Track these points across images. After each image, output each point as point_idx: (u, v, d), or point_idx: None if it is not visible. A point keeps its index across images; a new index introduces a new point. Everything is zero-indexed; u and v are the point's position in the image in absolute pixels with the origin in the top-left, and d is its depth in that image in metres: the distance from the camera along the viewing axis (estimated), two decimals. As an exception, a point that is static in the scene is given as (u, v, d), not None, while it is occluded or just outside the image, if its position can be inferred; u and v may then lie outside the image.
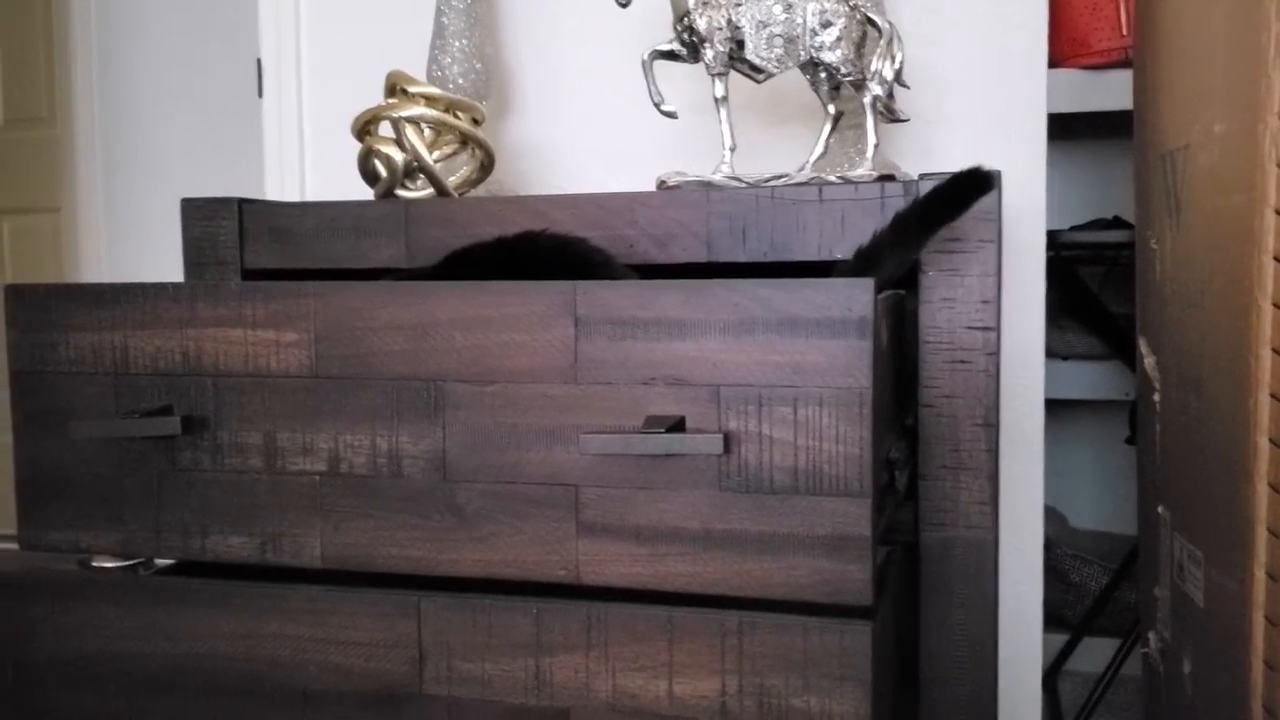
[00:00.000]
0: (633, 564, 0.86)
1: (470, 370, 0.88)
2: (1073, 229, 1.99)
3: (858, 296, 0.80)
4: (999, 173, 1.02)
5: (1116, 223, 2.01)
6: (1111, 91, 1.85)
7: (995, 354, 1.04)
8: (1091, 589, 2.10)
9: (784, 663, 0.82)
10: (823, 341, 0.81)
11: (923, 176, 1.05)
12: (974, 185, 1.01)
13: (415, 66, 1.39)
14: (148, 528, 0.98)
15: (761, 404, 0.82)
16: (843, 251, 1.08)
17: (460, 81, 1.44)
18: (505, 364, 0.88)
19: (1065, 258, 1.95)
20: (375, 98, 1.35)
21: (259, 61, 1.71)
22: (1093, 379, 2.02)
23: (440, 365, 0.89)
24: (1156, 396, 1.39)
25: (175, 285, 0.95)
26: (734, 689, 0.83)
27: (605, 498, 0.86)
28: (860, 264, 1.02)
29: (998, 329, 1.04)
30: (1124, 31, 1.82)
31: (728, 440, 0.83)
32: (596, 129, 1.60)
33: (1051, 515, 1.72)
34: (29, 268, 3.41)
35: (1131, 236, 1.76)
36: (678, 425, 0.83)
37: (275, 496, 0.94)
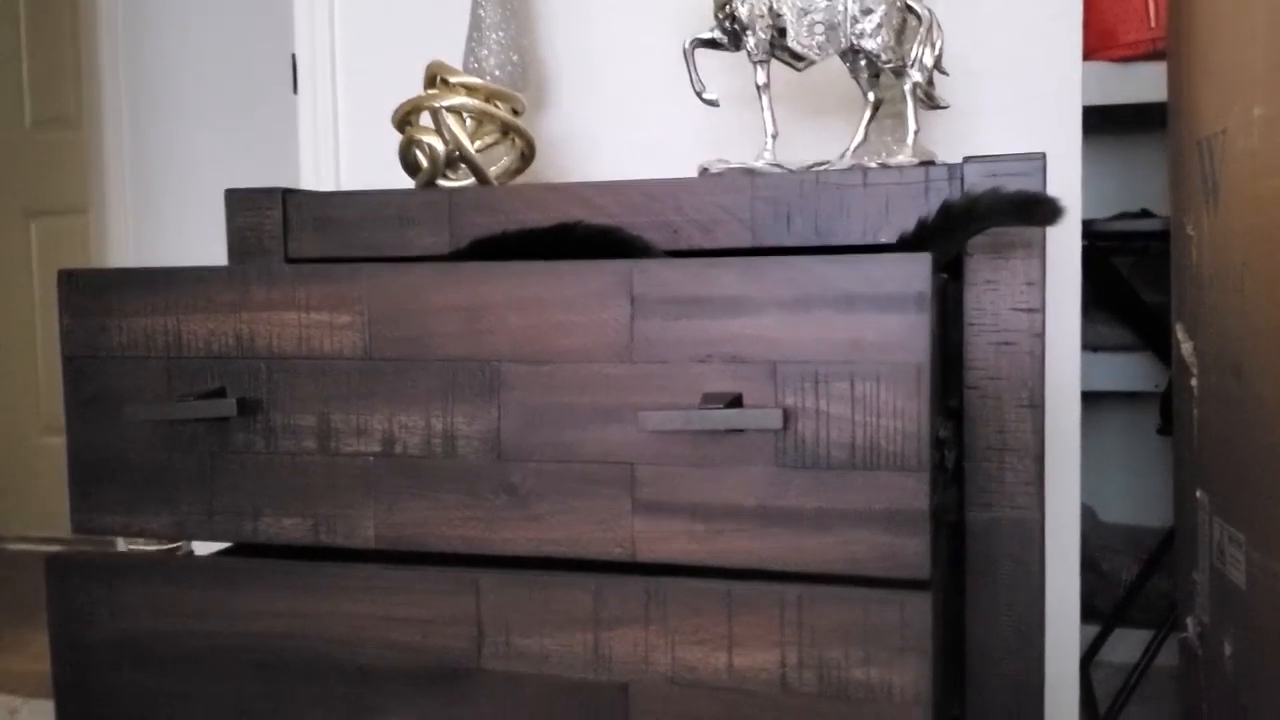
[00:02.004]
0: (689, 541, 0.86)
1: (525, 350, 0.89)
2: (1101, 221, 1.99)
3: (915, 272, 0.81)
4: (1066, 210, 1.00)
5: (1144, 215, 2.02)
6: (1140, 84, 1.85)
7: (1040, 335, 1.04)
8: (1123, 579, 2.10)
9: (844, 635, 0.83)
10: (880, 317, 0.81)
11: (967, 160, 1.06)
12: (1042, 211, 0.99)
13: (451, 60, 1.40)
14: (200, 510, 0.98)
15: (819, 380, 0.83)
16: (887, 235, 1.08)
17: (497, 74, 1.45)
18: (560, 344, 0.88)
19: (1098, 249, 1.95)
20: (411, 92, 1.36)
21: (294, 56, 1.72)
22: (1122, 371, 2.02)
23: (495, 346, 0.90)
24: (1194, 381, 1.40)
25: (228, 268, 0.96)
26: (794, 661, 0.84)
27: (661, 475, 0.87)
28: (904, 250, 1.02)
29: (1043, 310, 1.04)
30: (1152, 23, 1.82)
31: (785, 416, 0.83)
32: (633, 121, 1.61)
33: (1081, 510, 1.72)
34: (58, 269, 3.42)
35: (1162, 226, 1.77)
36: (735, 402, 0.84)
37: (329, 478, 0.95)
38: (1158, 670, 1.91)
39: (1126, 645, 2.04)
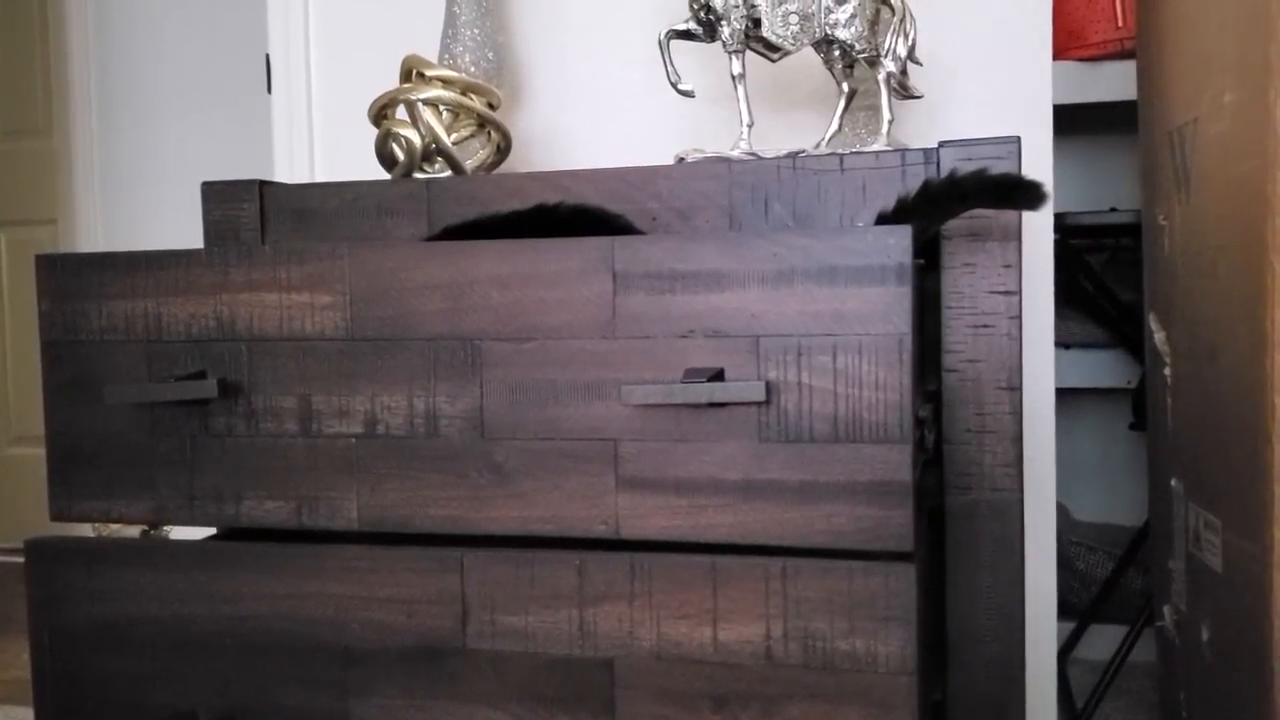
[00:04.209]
0: (673, 516, 0.87)
1: (507, 328, 0.89)
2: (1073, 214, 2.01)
3: (896, 243, 0.81)
4: (1049, 195, 1.00)
5: (1113, 215, 2.03)
6: (1108, 83, 1.87)
7: (1018, 318, 1.05)
8: (1098, 576, 2.11)
9: (828, 606, 0.83)
10: (862, 289, 0.82)
11: (942, 144, 1.07)
12: (1025, 195, 0.98)
13: (427, 58, 1.40)
14: (181, 494, 0.98)
15: (801, 353, 0.83)
16: (864, 220, 1.09)
17: (473, 70, 1.45)
18: (543, 320, 0.88)
19: (1072, 246, 1.96)
20: (386, 90, 1.36)
21: (267, 57, 1.72)
22: (1094, 367, 2.04)
23: (477, 324, 0.90)
24: (1167, 371, 1.41)
25: (208, 250, 0.96)
26: (779, 633, 0.84)
27: (645, 451, 0.87)
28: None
29: (1020, 293, 1.05)
30: (1120, 23, 1.84)
31: (768, 389, 0.84)
32: (609, 119, 1.61)
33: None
34: (27, 280, 3.40)
35: (1133, 219, 1.79)
36: (717, 376, 0.84)
37: (311, 460, 0.95)
38: (1133, 666, 1.92)
39: (1102, 641, 2.05)
